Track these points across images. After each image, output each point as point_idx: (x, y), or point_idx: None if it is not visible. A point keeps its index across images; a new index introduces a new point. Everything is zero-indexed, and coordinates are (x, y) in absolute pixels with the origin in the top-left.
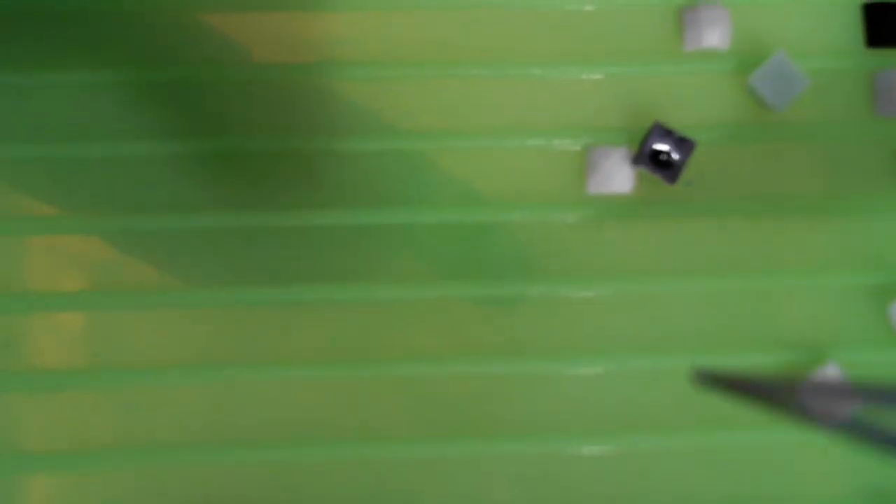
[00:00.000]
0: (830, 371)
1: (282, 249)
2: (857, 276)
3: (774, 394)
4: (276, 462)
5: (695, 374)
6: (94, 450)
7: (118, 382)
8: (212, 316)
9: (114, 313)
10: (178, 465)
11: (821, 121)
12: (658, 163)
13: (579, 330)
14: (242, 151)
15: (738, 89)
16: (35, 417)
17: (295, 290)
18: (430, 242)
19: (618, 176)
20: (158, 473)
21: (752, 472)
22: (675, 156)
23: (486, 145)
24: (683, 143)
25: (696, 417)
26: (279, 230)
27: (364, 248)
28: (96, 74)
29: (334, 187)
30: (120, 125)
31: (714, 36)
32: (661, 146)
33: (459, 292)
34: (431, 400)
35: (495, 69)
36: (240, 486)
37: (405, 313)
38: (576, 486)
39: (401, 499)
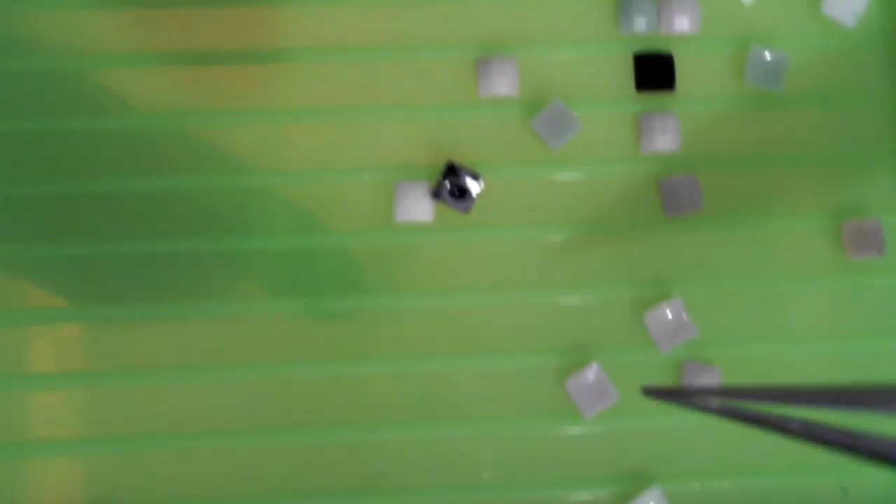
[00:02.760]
0: (591, 371)
1: (140, 273)
2: (620, 290)
3: (707, 400)
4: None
5: (644, 390)
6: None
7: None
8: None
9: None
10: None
11: (593, 158)
12: (453, 195)
13: (399, 334)
14: (100, 191)
15: (524, 130)
16: None
17: (148, 307)
18: (265, 265)
19: (420, 207)
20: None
21: None
22: (468, 189)
23: (315, 181)
24: (475, 178)
25: (521, 406)
26: (139, 256)
27: (210, 271)
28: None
29: (183, 219)
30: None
31: (504, 84)
32: (455, 181)
33: (294, 307)
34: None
35: (323, 116)
36: None
37: (246, 327)
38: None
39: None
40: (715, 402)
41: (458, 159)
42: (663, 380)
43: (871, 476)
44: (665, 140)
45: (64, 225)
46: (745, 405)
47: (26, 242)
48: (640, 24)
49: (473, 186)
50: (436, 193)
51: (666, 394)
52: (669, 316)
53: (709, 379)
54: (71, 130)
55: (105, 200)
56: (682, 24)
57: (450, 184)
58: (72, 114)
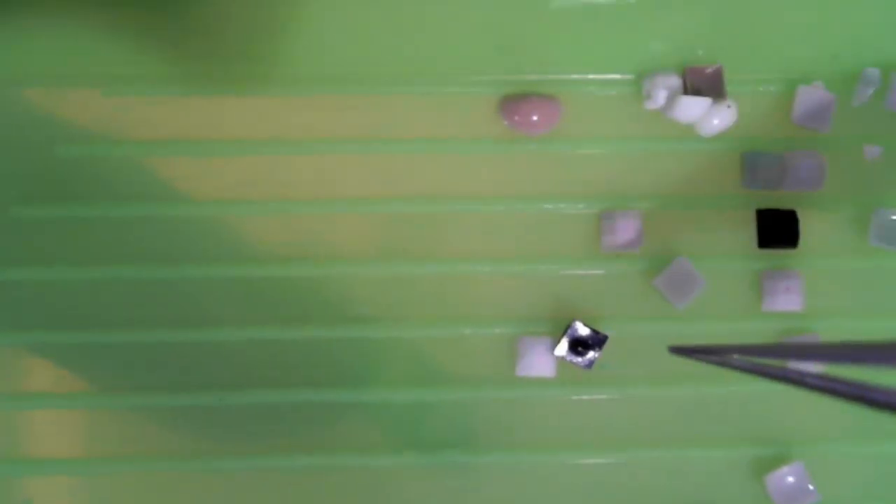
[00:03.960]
0: None
1: (263, 423)
2: (741, 449)
3: (730, 357)
4: None
5: (670, 349)
6: None
7: None
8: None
9: None
10: None
11: (716, 315)
12: (576, 352)
13: (515, 491)
14: (226, 340)
15: (646, 285)
16: None
17: (261, 459)
18: (383, 416)
19: (542, 363)
20: None
21: None
22: (591, 347)
23: (438, 332)
24: (597, 336)
25: None
26: (265, 405)
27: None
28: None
29: (300, 367)
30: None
31: (627, 239)
32: (578, 340)
33: (410, 461)
34: None
35: (436, 267)
36: None
37: (359, 480)
38: None
39: None
40: (737, 359)
41: (580, 314)
42: None
43: None
44: (788, 299)
45: (189, 376)
46: (765, 362)
47: (139, 392)
48: (765, 180)
49: (596, 344)
50: (558, 350)
51: (690, 351)
52: (791, 480)
53: None
54: (191, 277)
55: (233, 348)
56: (807, 181)
57: (572, 341)
58: (189, 261)
